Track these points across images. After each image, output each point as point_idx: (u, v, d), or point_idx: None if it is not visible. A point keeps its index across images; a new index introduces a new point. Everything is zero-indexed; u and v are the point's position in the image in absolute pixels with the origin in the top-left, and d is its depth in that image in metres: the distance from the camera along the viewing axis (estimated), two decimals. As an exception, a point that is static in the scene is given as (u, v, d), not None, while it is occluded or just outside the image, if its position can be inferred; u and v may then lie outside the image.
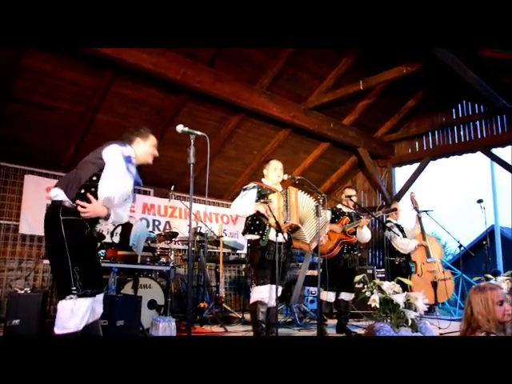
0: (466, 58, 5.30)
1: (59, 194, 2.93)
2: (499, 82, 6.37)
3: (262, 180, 4.44)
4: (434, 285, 5.64)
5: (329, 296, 4.98)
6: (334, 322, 5.32)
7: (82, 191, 2.90)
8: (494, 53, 5.34)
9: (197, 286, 5.84)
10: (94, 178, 2.92)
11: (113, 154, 2.94)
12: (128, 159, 3.00)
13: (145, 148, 3.25)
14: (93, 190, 2.91)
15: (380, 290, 3.04)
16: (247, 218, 4.22)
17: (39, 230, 5.89)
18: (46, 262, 4.81)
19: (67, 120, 5.78)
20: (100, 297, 3.01)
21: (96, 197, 2.92)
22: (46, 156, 6.07)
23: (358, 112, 7.86)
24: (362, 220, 5.23)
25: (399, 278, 3.20)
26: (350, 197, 5.57)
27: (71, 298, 2.76)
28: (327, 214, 4.93)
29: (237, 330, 5.09)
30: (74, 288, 2.76)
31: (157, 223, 7.16)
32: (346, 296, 5.14)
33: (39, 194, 5.94)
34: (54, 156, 6.17)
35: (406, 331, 2.92)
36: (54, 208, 2.90)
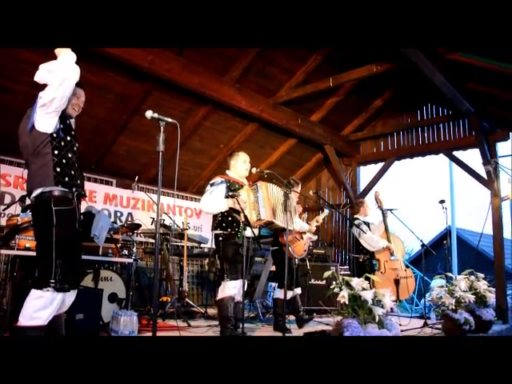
0: (435, 60, 5.37)
1: (42, 187, 2.80)
2: (464, 86, 6.51)
3: (227, 172, 4.36)
4: (397, 282, 5.73)
5: (288, 294, 5.02)
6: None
7: (55, 159, 2.79)
8: (462, 57, 5.44)
9: (159, 280, 5.70)
10: (48, 139, 2.81)
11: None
12: None
13: None
14: (56, 144, 2.81)
15: (348, 286, 3.04)
16: (217, 214, 4.13)
17: (-8, 218, 5.63)
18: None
19: (28, 104, 5.48)
20: (74, 291, 2.94)
21: (61, 149, 2.82)
22: (2, 141, 5.76)
23: (325, 109, 7.88)
24: (318, 218, 5.47)
25: (367, 275, 3.20)
26: (316, 193, 5.60)
27: (48, 291, 2.69)
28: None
29: (200, 325, 4.99)
30: (53, 281, 2.70)
31: (119, 214, 6.95)
32: (298, 290, 5.24)
33: (-6, 181, 5.65)
34: (12, 141, 5.85)
35: (372, 328, 2.93)
36: (45, 199, 2.79)
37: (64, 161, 2.85)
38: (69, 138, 2.94)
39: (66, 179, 2.84)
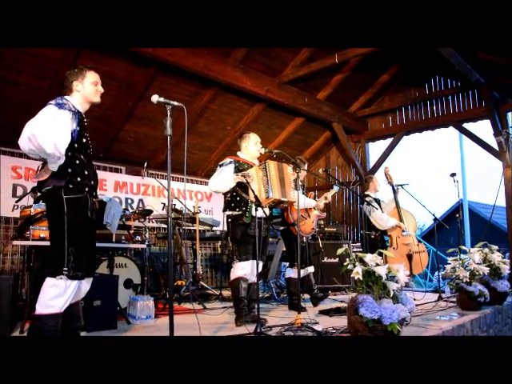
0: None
1: (53, 184, 2.80)
2: (474, 56, 6.38)
3: (238, 153, 4.33)
4: (409, 257, 5.72)
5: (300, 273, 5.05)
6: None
7: (67, 160, 2.77)
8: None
9: (173, 264, 5.76)
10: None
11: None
12: (59, 106, 2.77)
13: (86, 89, 2.98)
14: (69, 145, 2.77)
15: (362, 262, 3.03)
16: (226, 194, 4.12)
17: (6, 211, 5.69)
18: (15, 243, 4.62)
19: (31, 95, 5.50)
20: (89, 279, 2.98)
21: (74, 150, 2.81)
22: (10, 133, 5.77)
23: (332, 86, 7.79)
24: (327, 195, 5.45)
25: (380, 251, 3.19)
26: (326, 171, 5.58)
27: (61, 278, 2.72)
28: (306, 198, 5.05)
29: (215, 307, 5.05)
30: (66, 269, 2.72)
31: (130, 201, 7.00)
32: (311, 268, 5.27)
33: (4, 174, 5.69)
34: (19, 134, 5.87)
35: (387, 303, 2.93)
36: (57, 187, 2.78)
37: (77, 162, 2.83)
38: (84, 140, 2.92)
39: (78, 179, 2.83)
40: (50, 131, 2.62)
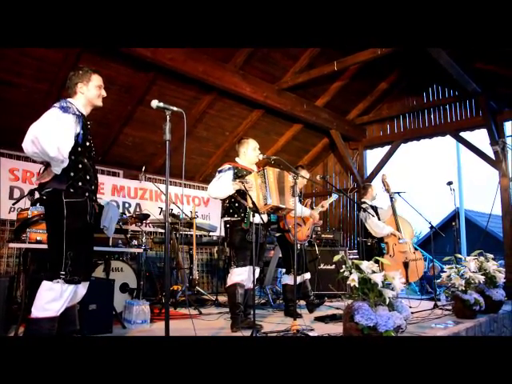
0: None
1: (54, 187, 2.80)
2: (471, 66, 6.43)
3: (236, 159, 4.34)
4: (406, 265, 5.73)
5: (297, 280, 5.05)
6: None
7: (70, 164, 2.77)
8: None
9: (170, 269, 5.75)
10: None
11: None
12: (63, 109, 2.76)
13: (90, 92, 2.97)
14: (72, 149, 2.77)
15: (358, 269, 3.04)
16: (224, 200, 4.13)
17: (3, 213, 5.68)
18: (12, 245, 4.61)
19: (31, 98, 5.51)
20: (86, 283, 2.98)
21: (77, 154, 2.80)
22: (9, 136, 5.78)
23: (330, 94, 7.82)
24: (324, 203, 5.48)
25: (376, 258, 3.20)
26: (323, 177, 5.60)
27: (58, 282, 2.71)
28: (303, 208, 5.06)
29: (211, 313, 5.04)
30: (63, 273, 2.72)
31: (127, 205, 6.99)
32: (307, 275, 5.26)
33: (2, 176, 5.68)
34: (18, 136, 5.87)
35: (383, 310, 2.94)
36: (57, 190, 2.78)
37: (80, 166, 2.83)
38: (88, 144, 2.92)
39: (80, 184, 2.83)
40: (53, 135, 2.62)
